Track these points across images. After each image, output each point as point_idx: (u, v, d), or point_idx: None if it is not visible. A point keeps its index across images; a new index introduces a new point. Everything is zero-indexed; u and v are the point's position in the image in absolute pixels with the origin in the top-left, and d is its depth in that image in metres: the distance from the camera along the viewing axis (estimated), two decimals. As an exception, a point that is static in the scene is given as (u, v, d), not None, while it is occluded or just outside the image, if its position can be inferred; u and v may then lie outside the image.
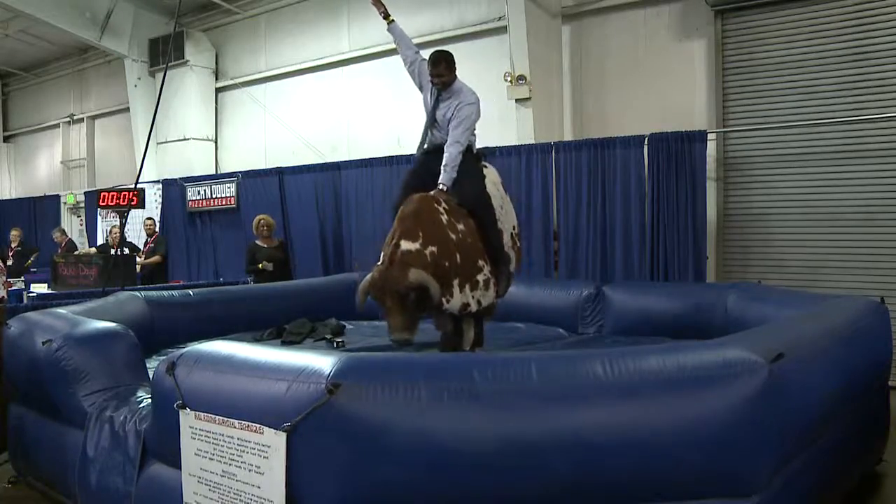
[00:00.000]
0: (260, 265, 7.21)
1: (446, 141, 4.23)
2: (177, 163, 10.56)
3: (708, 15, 6.70)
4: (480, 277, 4.03)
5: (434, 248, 3.75)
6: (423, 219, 3.84)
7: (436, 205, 3.99)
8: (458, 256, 3.89)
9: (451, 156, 4.16)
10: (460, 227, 4.00)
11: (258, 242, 7.47)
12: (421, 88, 4.49)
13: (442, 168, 4.16)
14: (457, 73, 4.32)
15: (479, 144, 4.61)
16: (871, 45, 5.94)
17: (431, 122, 4.35)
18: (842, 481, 3.09)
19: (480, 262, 4.05)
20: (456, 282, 3.87)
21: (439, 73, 4.24)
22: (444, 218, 3.94)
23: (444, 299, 3.76)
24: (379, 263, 3.76)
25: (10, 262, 9.62)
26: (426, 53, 4.09)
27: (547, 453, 2.12)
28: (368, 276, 3.73)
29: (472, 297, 3.98)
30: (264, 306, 5.90)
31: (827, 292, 4.94)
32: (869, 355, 3.31)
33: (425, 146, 4.43)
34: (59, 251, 10.03)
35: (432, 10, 8.53)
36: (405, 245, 3.70)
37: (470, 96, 4.29)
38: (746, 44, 6.56)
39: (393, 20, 4.67)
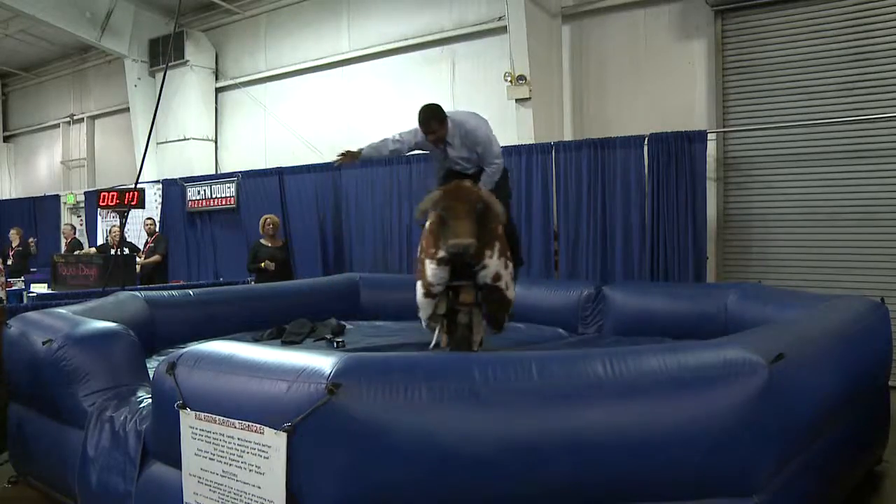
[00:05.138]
0: (262, 264, 7.24)
1: (469, 169, 4.31)
2: (177, 163, 10.56)
3: (708, 15, 6.70)
4: (509, 260, 4.13)
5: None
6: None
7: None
8: (499, 228, 4.02)
9: (489, 174, 4.28)
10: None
11: (262, 241, 7.52)
12: (424, 150, 4.50)
13: (482, 182, 4.26)
14: (446, 117, 4.23)
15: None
16: (871, 45, 5.94)
17: (451, 165, 4.38)
18: (842, 481, 3.08)
19: (508, 252, 4.15)
20: (497, 247, 3.96)
21: (432, 130, 4.19)
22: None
23: (486, 254, 3.87)
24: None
25: (10, 262, 9.63)
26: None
27: (547, 453, 2.12)
28: (434, 192, 3.80)
29: (506, 271, 4.05)
30: (264, 306, 5.89)
31: (827, 292, 4.94)
32: (869, 355, 3.31)
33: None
34: (65, 245, 10.07)
35: (432, 10, 8.53)
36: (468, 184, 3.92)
37: (471, 120, 4.27)
38: (746, 44, 6.56)
39: (360, 151, 4.48)
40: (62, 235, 10.51)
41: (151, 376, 2.82)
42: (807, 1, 6.21)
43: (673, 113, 6.77)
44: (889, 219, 5.89)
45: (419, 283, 4.10)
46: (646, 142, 6.37)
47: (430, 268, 3.92)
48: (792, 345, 2.49)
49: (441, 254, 3.82)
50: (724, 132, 6.64)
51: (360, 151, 4.46)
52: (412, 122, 4.43)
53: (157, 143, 10.69)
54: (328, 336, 5.36)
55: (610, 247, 6.56)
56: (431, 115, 4.16)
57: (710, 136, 6.29)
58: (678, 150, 6.21)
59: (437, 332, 4.40)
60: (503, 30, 7.48)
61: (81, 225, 12.13)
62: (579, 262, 6.70)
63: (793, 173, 6.34)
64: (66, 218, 12.48)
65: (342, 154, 4.50)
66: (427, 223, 4.09)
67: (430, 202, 3.79)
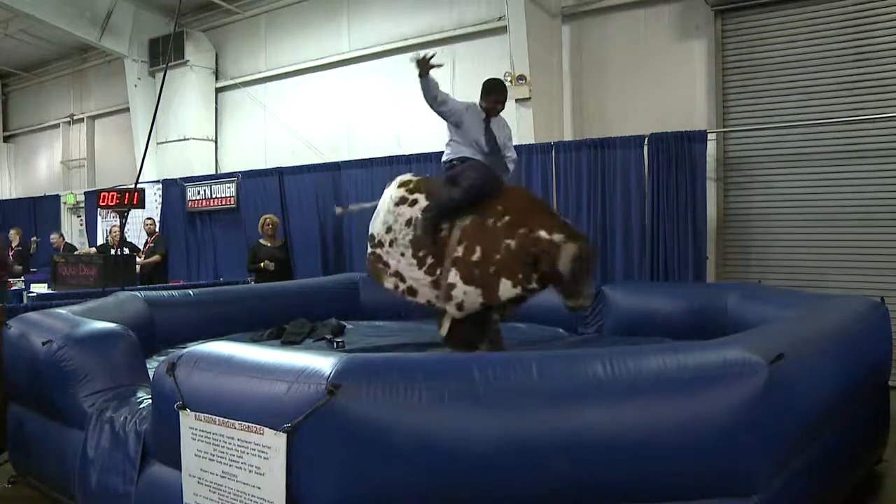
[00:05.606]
0: (262, 264, 7.25)
1: (489, 153, 4.37)
2: (177, 163, 10.56)
3: (708, 15, 6.70)
4: None
5: None
6: None
7: None
8: None
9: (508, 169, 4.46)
10: None
11: (262, 241, 7.53)
12: (460, 123, 4.32)
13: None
14: None
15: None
16: (871, 45, 5.94)
17: (494, 149, 4.36)
18: (841, 481, 3.08)
19: None
20: None
21: (501, 100, 4.26)
22: None
23: None
24: (560, 237, 3.89)
25: (10, 262, 9.62)
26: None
27: (547, 453, 2.12)
28: (573, 245, 3.83)
29: None
30: (264, 306, 5.89)
31: (827, 292, 4.94)
32: (869, 355, 3.31)
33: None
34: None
35: (432, 10, 8.53)
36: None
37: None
38: (746, 44, 6.56)
39: (429, 70, 4.15)
40: (52, 245, 10.37)
41: (151, 377, 2.82)
42: (807, 1, 6.21)
43: (673, 113, 6.77)
44: (889, 219, 5.89)
45: (478, 292, 4.04)
46: (646, 142, 6.37)
47: (508, 288, 3.97)
48: (792, 345, 2.49)
49: (533, 286, 3.95)
50: (724, 132, 6.64)
51: (429, 70, 4.11)
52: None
53: (157, 143, 10.69)
54: (328, 336, 5.36)
55: (610, 247, 6.55)
56: (505, 88, 4.33)
57: (710, 136, 6.29)
58: (678, 150, 6.20)
59: (444, 327, 4.41)
60: (503, 30, 7.47)
61: (81, 225, 12.12)
62: (579, 261, 6.70)
63: (793, 173, 6.34)
64: (65, 218, 12.48)
65: (427, 58, 4.11)
66: (509, 241, 3.99)
67: (573, 255, 3.79)
